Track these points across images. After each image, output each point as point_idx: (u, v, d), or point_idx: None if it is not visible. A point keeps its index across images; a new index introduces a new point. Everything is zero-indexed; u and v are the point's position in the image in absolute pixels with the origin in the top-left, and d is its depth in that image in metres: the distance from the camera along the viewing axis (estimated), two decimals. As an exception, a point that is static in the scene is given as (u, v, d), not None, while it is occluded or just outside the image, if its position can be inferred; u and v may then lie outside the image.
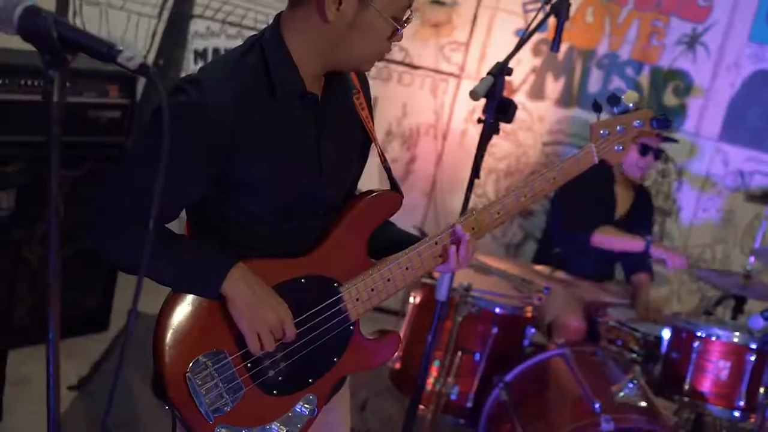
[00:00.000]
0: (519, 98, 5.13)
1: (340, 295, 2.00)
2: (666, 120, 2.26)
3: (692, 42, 5.07)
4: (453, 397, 3.73)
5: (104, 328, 4.39)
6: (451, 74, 5.12)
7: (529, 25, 3.00)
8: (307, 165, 1.94)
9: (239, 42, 5.21)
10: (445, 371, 3.65)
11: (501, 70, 2.76)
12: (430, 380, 3.74)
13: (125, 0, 5.03)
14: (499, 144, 5.20)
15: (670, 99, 5.14)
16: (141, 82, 5.05)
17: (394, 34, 1.90)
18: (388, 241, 2.13)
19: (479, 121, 2.85)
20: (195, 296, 1.89)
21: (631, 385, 3.31)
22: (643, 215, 4.46)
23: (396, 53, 5.06)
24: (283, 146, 1.89)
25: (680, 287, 5.36)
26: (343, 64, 1.95)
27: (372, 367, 2.14)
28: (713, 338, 3.57)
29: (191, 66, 5.07)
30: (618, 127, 2.23)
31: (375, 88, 5.02)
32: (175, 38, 5.10)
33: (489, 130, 2.79)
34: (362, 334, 2.08)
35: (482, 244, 5.14)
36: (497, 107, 2.82)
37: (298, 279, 1.96)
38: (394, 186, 2.10)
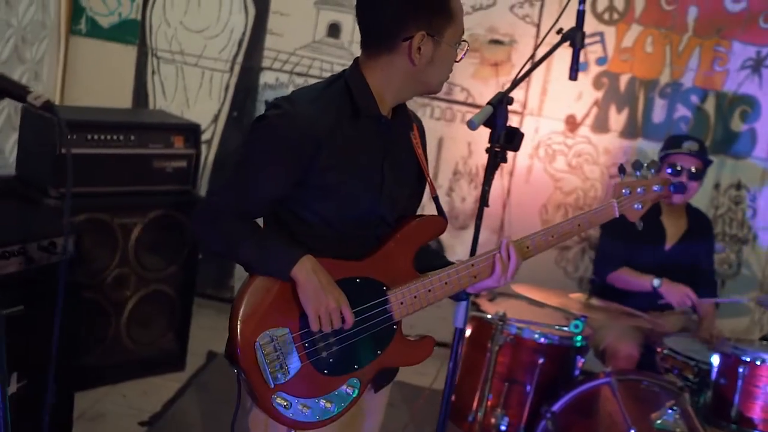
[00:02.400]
0: (583, 132, 5.15)
1: (387, 297, 2.33)
2: (682, 186, 2.63)
3: (757, 66, 4.98)
4: (503, 428, 3.76)
5: (180, 368, 4.60)
6: (513, 112, 5.15)
7: (532, 56, 3.05)
8: (371, 178, 2.32)
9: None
10: (485, 401, 3.69)
11: (501, 100, 2.80)
12: (486, 412, 3.79)
13: (199, 57, 5.32)
14: (566, 178, 5.21)
15: (737, 125, 5.05)
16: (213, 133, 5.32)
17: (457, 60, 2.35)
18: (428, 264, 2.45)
19: (487, 150, 2.90)
20: (267, 280, 2.23)
21: (670, 412, 3.27)
22: (697, 242, 4.40)
23: (458, 94, 5.17)
24: (356, 159, 2.28)
25: (762, 316, 5.21)
26: (421, 92, 2.40)
27: (409, 364, 2.45)
28: (758, 362, 3.49)
29: (263, 116, 5.30)
30: (639, 189, 2.54)
31: (440, 128, 5.20)
32: (246, 90, 5.35)
33: (494, 159, 2.82)
34: (403, 335, 2.39)
35: (554, 277, 5.15)
36: (505, 136, 2.87)
37: (353, 278, 2.30)
38: (440, 213, 2.47)
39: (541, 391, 3.75)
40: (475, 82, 5.16)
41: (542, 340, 3.74)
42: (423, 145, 2.52)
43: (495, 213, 5.22)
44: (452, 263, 2.46)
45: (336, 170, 2.24)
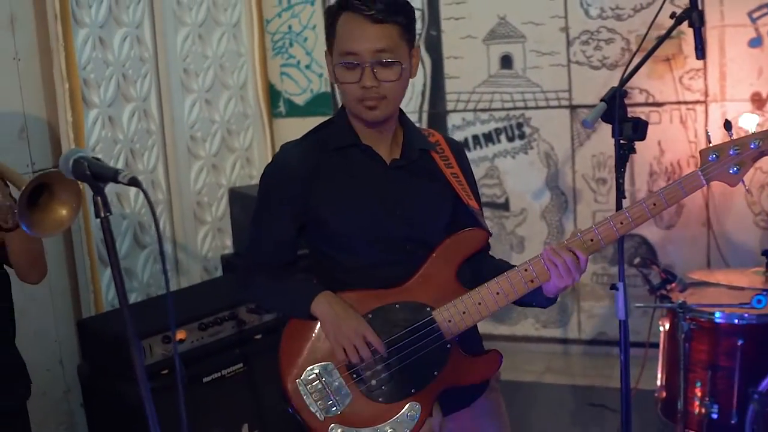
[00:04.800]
0: (772, 109, 5.01)
1: (432, 317, 2.33)
2: None
3: None
4: (714, 416, 3.73)
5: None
6: (696, 102, 5.12)
7: (641, 42, 3.09)
8: (372, 201, 2.37)
9: (493, 125, 5.63)
10: (692, 392, 3.69)
11: (613, 95, 2.89)
12: (696, 403, 3.78)
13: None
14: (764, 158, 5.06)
15: None
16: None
17: (353, 81, 2.28)
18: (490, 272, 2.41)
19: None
20: (305, 322, 2.35)
21: None
22: None
23: (637, 96, 5.18)
24: (346, 186, 2.37)
25: None
26: (355, 115, 2.38)
27: (473, 382, 2.43)
28: None
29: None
30: (730, 151, 2.30)
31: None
32: (436, 135, 5.63)
33: (621, 151, 2.89)
34: (461, 351, 2.38)
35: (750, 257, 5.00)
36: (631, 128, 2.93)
37: (392, 304, 2.35)
38: (480, 225, 2.45)
39: (748, 374, 3.68)
40: (651, 81, 5.17)
41: (736, 321, 3.69)
42: (461, 165, 2.53)
43: (699, 205, 5.16)
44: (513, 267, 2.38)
45: (330, 203, 2.34)
